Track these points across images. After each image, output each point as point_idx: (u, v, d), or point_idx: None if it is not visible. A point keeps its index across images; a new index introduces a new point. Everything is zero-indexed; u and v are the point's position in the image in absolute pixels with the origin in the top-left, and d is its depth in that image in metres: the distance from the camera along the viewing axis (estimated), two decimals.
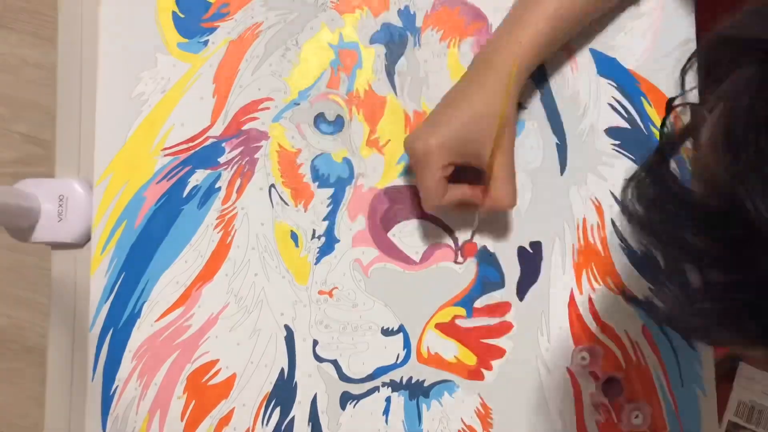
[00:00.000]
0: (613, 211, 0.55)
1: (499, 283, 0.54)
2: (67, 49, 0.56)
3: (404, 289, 0.53)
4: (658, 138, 0.56)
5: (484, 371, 0.53)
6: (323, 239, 0.54)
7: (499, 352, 0.54)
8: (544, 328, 0.54)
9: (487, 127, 0.47)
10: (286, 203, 0.54)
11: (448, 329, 0.53)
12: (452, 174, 0.49)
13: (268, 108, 0.55)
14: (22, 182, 0.53)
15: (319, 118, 0.55)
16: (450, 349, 0.53)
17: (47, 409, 0.52)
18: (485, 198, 0.50)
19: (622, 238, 0.55)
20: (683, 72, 0.37)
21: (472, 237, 0.54)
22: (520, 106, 0.56)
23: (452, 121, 0.48)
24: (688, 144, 0.33)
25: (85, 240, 0.53)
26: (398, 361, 0.53)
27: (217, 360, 0.52)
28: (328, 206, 0.54)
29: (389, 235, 0.53)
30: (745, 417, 0.74)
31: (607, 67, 0.57)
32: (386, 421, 0.52)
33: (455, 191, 0.50)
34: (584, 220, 0.55)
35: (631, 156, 0.56)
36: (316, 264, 0.53)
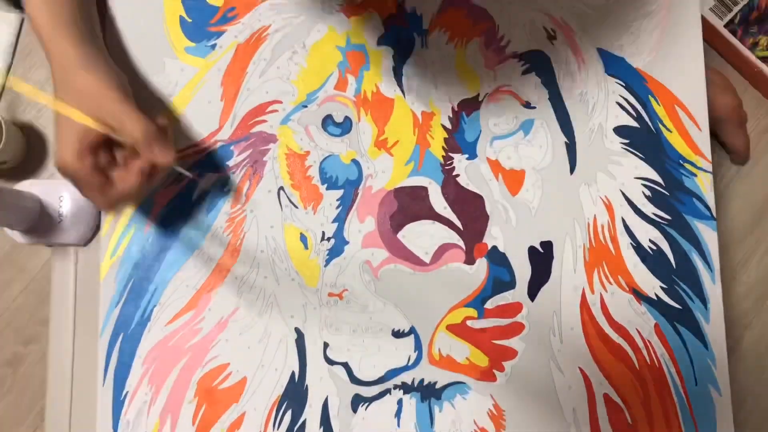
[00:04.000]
0: (623, 209, 0.55)
1: (510, 284, 0.54)
2: None
3: (415, 291, 0.53)
4: (665, 136, 0.56)
5: (497, 372, 0.53)
6: (332, 241, 0.53)
7: (511, 353, 0.53)
8: (555, 328, 0.54)
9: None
10: (295, 206, 0.54)
11: (460, 330, 0.53)
12: None
13: (276, 111, 0.54)
14: (22, 182, 0.53)
15: (327, 120, 0.55)
16: (462, 351, 0.53)
17: (47, 412, 0.52)
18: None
19: (632, 237, 0.55)
20: None
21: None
22: (528, 105, 0.56)
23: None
24: None
25: (85, 240, 0.53)
26: (409, 363, 0.52)
27: (228, 364, 0.52)
28: (337, 208, 0.54)
29: (399, 236, 0.53)
30: None
31: (615, 66, 0.57)
32: (398, 424, 0.52)
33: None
34: (594, 219, 0.55)
35: (640, 154, 0.56)
36: (325, 266, 0.53)
